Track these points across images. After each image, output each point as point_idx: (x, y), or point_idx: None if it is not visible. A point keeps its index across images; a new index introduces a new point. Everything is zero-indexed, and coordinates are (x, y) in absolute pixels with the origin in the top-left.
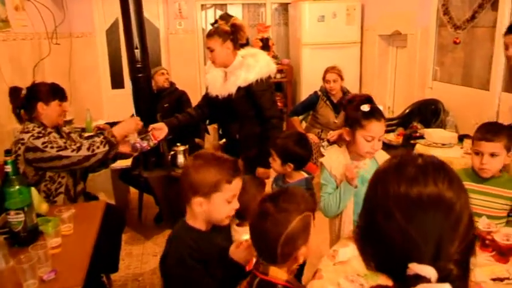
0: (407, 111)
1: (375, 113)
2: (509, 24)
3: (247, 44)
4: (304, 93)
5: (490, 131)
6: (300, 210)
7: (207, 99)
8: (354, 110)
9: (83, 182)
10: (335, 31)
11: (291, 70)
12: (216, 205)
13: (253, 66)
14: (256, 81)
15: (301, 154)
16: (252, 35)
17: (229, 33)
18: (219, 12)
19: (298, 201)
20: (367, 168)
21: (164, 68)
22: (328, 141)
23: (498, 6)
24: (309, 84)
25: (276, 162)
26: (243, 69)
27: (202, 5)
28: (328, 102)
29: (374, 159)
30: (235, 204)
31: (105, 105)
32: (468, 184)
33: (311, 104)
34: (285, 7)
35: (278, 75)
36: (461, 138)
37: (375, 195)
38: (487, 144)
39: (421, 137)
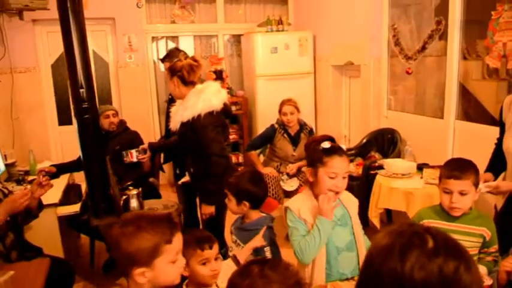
0: (364, 140)
1: (337, 149)
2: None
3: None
4: (260, 125)
5: (458, 168)
6: (283, 284)
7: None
8: (315, 149)
9: (14, 232)
10: (288, 62)
11: (246, 102)
12: (161, 270)
13: (192, 103)
14: (193, 117)
15: (255, 192)
16: (205, 67)
17: (177, 70)
18: (170, 44)
19: (284, 275)
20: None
21: (111, 109)
22: (287, 174)
23: (447, 35)
24: (264, 116)
25: (231, 203)
26: (182, 105)
27: (153, 37)
28: (285, 134)
29: (339, 200)
30: (181, 261)
31: (52, 143)
32: (438, 223)
33: (268, 137)
34: (237, 38)
35: (233, 108)
36: (420, 167)
37: (374, 276)
38: (456, 182)
39: (381, 167)
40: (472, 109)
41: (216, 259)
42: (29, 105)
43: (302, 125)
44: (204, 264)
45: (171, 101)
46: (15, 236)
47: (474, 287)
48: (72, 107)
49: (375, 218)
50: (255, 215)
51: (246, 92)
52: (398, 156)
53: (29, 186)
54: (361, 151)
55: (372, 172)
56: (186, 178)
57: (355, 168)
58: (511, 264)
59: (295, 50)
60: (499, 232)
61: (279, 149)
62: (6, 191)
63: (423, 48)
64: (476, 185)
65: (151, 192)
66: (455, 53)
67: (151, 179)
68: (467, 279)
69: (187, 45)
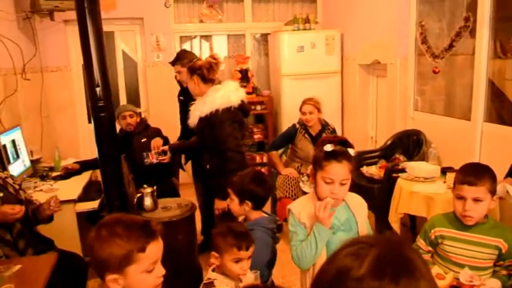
0: (389, 142)
1: (337, 155)
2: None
3: None
4: (285, 125)
5: (472, 173)
6: None
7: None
8: (319, 150)
9: (21, 223)
10: (315, 61)
11: (272, 101)
12: (135, 279)
13: (211, 98)
14: (211, 112)
15: (258, 192)
16: (232, 66)
17: (197, 68)
18: (204, 43)
19: None
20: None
21: (129, 109)
22: (307, 175)
23: (476, 33)
24: (289, 116)
25: (233, 202)
26: (201, 101)
27: (186, 37)
28: (306, 135)
29: (345, 204)
30: (160, 271)
31: (81, 141)
32: (450, 231)
33: (289, 137)
34: (265, 38)
35: (258, 107)
36: (444, 171)
37: None
38: (470, 188)
39: (403, 170)
40: (506, 110)
41: (248, 258)
42: (59, 104)
43: (324, 125)
44: (236, 262)
45: (183, 101)
46: (22, 226)
47: None
48: (88, 105)
49: (394, 223)
50: (256, 215)
51: (272, 92)
52: (423, 159)
53: (52, 182)
54: (386, 153)
55: (394, 175)
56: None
57: (378, 170)
58: None
59: (322, 48)
60: None
61: (300, 149)
62: (17, 187)
63: (451, 46)
64: (492, 192)
65: (170, 191)
66: (484, 51)
67: (173, 178)
68: None
69: (220, 45)
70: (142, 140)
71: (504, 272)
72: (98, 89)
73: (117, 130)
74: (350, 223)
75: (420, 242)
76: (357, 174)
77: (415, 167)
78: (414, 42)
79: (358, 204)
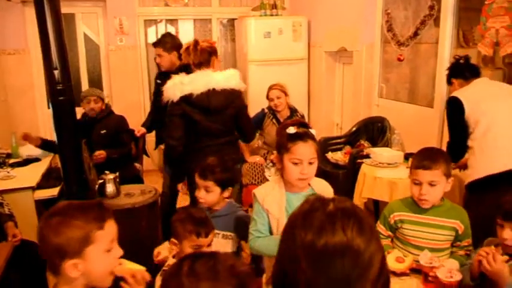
0: (354, 129)
1: (302, 135)
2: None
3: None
4: (251, 111)
5: (427, 158)
6: (218, 283)
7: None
8: (282, 134)
9: None
10: (282, 47)
11: None
12: (95, 260)
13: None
14: (167, 102)
15: (233, 177)
16: None
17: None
18: (170, 28)
19: (219, 274)
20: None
21: (93, 94)
22: (272, 162)
23: (440, 22)
24: (256, 101)
25: (213, 193)
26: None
27: (151, 20)
28: (274, 120)
29: (311, 189)
30: (118, 252)
31: (41, 126)
32: (409, 215)
33: (257, 122)
34: (232, 23)
35: None
36: (407, 157)
37: (285, 242)
38: (425, 172)
39: (367, 156)
40: None
41: (208, 245)
42: (18, 88)
43: (293, 111)
44: (196, 249)
45: (160, 85)
46: None
47: (366, 255)
48: (47, 89)
49: None
50: (226, 200)
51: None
52: (387, 145)
53: (9, 169)
54: (351, 139)
55: (359, 161)
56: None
57: (343, 156)
58: (486, 253)
59: (289, 35)
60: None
61: (267, 134)
62: None
63: (415, 34)
64: (447, 175)
65: (134, 177)
66: (448, 39)
67: (136, 164)
68: (357, 242)
69: (187, 30)
70: (102, 132)
71: (461, 252)
72: (56, 72)
73: (81, 114)
74: None
75: (380, 227)
76: (323, 160)
77: (378, 153)
78: (380, 30)
79: (324, 190)
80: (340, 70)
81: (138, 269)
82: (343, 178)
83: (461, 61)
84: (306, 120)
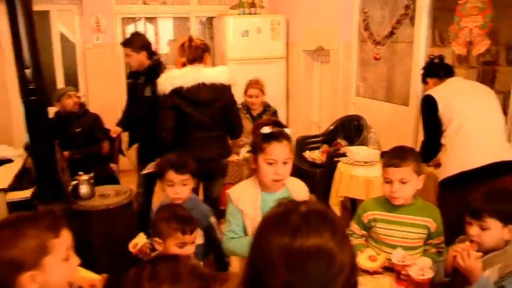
0: (331, 127)
1: (276, 135)
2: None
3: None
4: None
5: (397, 156)
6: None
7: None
8: (256, 136)
9: None
10: (260, 46)
11: None
12: (53, 271)
13: (159, 81)
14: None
15: None
16: (175, 51)
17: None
18: (149, 26)
19: (182, 276)
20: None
21: (72, 89)
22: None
23: (415, 21)
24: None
25: (188, 186)
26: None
27: (129, 18)
28: (248, 115)
29: (286, 189)
30: (75, 260)
31: (15, 126)
32: (382, 214)
33: None
34: (210, 21)
35: None
36: (383, 155)
37: (258, 244)
38: (395, 170)
39: (344, 154)
40: None
41: (192, 243)
42: None
43: (266, 106)
44: (181, 247)
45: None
46: None
47: (339, 258)
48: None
49: (335, 206)
50: None
51: None
52: (364, 143)
53: None
54: (328, 138)
55: (335, 160)
56: (149, 169)
57: (321, 155)
58: (461, 248)
59: (267, 33)
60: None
61: None
62: None
63: (391, 33)
64: (417, 172)
65: (109, 178)
66: (423, 38)
67: (111, 164)
68: (330, 245)
69: (165, 28)
70: (77, 130)
71: (434, 250)
72: (27, 71)
73: (53, 114)
74: None
75: (354, 227)
76: (300, 159)
77: (354, 152)
78: (357, 29)
79: (299, 189)
80: (318, 69)
81: (96, 278)
82: (320, 177)
83: (436, 60)
84: (280, 117)
